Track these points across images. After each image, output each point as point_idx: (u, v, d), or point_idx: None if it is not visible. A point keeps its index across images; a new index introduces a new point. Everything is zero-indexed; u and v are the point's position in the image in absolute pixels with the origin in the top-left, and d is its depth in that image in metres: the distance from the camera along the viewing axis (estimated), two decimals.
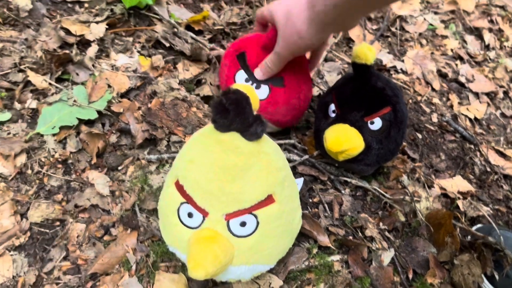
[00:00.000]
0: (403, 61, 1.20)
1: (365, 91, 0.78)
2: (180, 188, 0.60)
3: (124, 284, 0.66)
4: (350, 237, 0.78)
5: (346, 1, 0.60)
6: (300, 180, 0.81)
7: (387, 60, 1.17)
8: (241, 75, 0.82)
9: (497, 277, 0.76)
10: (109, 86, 0.83)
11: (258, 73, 0.80)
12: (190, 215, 0.59)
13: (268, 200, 0.60)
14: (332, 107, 0.82)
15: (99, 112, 0.79)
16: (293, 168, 0.86)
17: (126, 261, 0.68)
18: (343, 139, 0.75)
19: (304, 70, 0.85)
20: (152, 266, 0.68)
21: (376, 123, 0.77)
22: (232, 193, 0.57)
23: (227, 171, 0.57)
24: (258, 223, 0.59)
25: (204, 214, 0.58)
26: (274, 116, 0.83)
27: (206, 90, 0.91)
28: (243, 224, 0.58)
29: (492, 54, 1.34)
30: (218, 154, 0.57)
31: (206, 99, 0.90)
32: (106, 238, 0.70)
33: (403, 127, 0.80)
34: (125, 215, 0.72)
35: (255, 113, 0.57)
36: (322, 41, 0.73)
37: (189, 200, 0.58)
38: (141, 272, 0.67)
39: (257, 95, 0.78)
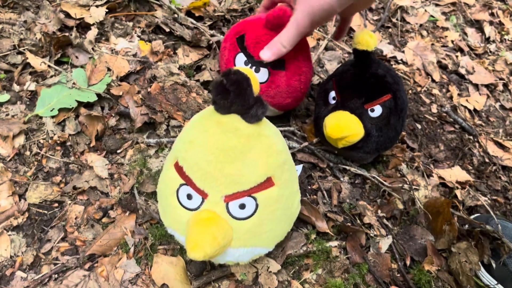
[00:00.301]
0: (403, 51, 1.20)
1: (365, 78, 0.77)
2: (179, 169, 0.59)
3: (122, 266, 0.65)
4: (349, 224, 0.78)
5: None
6: (299, 167, 0.81)
7: (388, 50, 1.17)
8: (240, 58, 0.81)
9: (494, 265, 0.76)
10: (109, 69, 0.83)
11: (265, 53, 0.73)
12: (189, 196, 0.59)
13: (268, 183, 0.59)
14: (333, 94, 0.81)
15: (98, 95, 0.79)
16: (293, 155, 0.86)
17: (124, 243, 0.68)
18: (343, 126, 0.75)
19: (305, 51, 0.84)
20: (150, 249, 0.68)
21: (376, 111, 0.76)
22: (232, 174, 0.56)
23: (227, 153, 0.56)
24: (257, 205, 0.59)
25: (203, 195, 0.57)
26: (275, 99, 0.82)
27: (205, 76, 0.91)
28: (242, 206, 0.58)
29: (492, 47, 1.33)
30: (218, 136, 0.57)
31: (205, 84, 0.90)
32: (104, 220, 0.70)
33: (403, 115, 0.80)
34: (123, 197, 0.72)
35: (255, 95, 0.57)
36: (345, 5, 0.68)
37: (188, 181, 0.58)
38: (139, 255, 0.67)
39: (257, 78, 0.79)
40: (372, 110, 0.76)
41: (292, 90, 0.83)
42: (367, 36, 0.75)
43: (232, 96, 0.55)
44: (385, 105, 0.77)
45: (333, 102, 0.81)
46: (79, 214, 0.69)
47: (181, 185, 0.59)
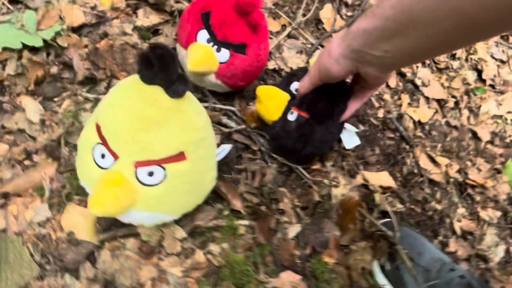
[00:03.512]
0: None
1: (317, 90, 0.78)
2: (98, 128, 0.63)
3: (34, 208, 0.69)
4: (263, 207, 0.83)
5: (375, 28, 0.56)
6: (228, 146, 0.84)
7: None
8: (203, 34, 0.83)
9: (389, 267, 0.82)
10: (61, 18, 0.84)
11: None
12: (103, 156, 0.62)
13: (179, 156, 0.63)
14: (296, 85, 0.83)
15: (45, 41, 0.80)
16: (229, 134, 0.90)
17: (41, 188, 0.71)
18: (270, 94, 0.81)
19: (265, 38, 0.88)
20: (65, 197, 0.71)
21: (293, 116, 0.80)
22: (144, 142, 0.60)
23: (143, 121, 0.59)
24: (165, 175, 0.62)
25: (115, 157, 0.61)
26: (231, 80, 0.86)
27: (160, 41, 0.93)
28: (150, 174, 0.62)
29: (456, 64, 1.37)
30: (137, 103, 0.60)
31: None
32: (26, 163, 0.73)
33: (305, 139, 0.81)
34: (49, 144, 0.74)
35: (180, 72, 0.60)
36: (347, 70, 0.67)
37: (103, 141, 0.61)
38: (53, 201, 0.71)
39: (217, 57, 0.82)
40: (292, 113, 0.80)
41: (248, 74, 0.87)
42: None
43: (155, 69, 0.58)
44: (298, 118, 0.80)
45: (294, 92, 0.84)
46: (2, 153, 0.72)
47: (98, 143, 0.62)
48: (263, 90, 0.81)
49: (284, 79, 0.88)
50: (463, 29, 0.47)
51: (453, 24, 0.47)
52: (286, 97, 0.82)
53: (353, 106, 0.81)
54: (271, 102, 0.80)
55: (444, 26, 0.48)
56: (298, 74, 0.85)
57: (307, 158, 0.91)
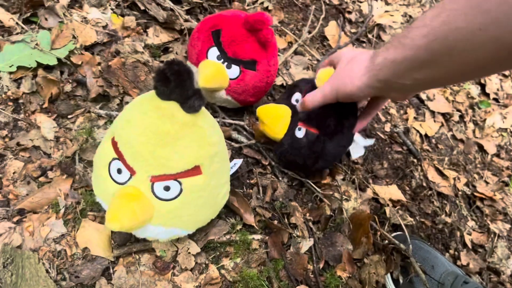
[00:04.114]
0: None
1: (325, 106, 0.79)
2: (114, 144, 0.63)
3: (49, 224, 0.69)
4: (275, 221, 0.83)
5: (404, 58, 0.56)
6: (239, 161, 0.85)
7: None
8: (213, 51, 0.85)
9: (401, 281, 0.82)
10: (74, 37, 0.85)
11: (298, 107, 0.81)
12: (119, 171, 0.62)
13: (195, 170, 0.63)
14: (298, 96, 0.84)
15: (59, 59, 0.81)
16: (239, 149, 0.91)
17: (56, 204, 0.71)
18: (271, 115, 0.80)
19: (274, 54, 0.90)
20: (80, 213, 0.72)
21: (301, 132, 0.80)
22: (161, 157, 0.60)
23: (159, 137, 0.60)
24: (181, 190, 0.63)
25: (132, 172, 0.61)
26: (241, 96, 0.87)
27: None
28: (166, 188, 0.62)
29: None
30: (154, 119, 0.61)
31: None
32: (41, 179, 0.73)
33: (316, 156, 0.81)
34: (64, 161, 0.75)
35: (196, 87, 0.61)
36: (368, 96, 0.70)
37: (120, 156, 0.62)
38: (68, 217, 0.71)
39: (228, 74, 0.84)
40: (299, 129, 0.80)
41: (258, 90, 0.89)
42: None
43: (172, 85, 0.59)
44: (308, 135, 0.80)
45: (295, 103, 0.85)
46: (17, 170, 0.72)
47: (114, 159, 0.63)
48: (263, 112, 0.81)
49: (287, 91, 0.89)
50: (500, 55, 0.47)
51: (490, 52, 0.47)
52: (287, 112, 0.82)
53: (368, 117, 0.82)
54: (273, 121, 0.80)
55: (480, 54, 0.48)
56: (299, 85, 0.86)
57: (317, 172, 0.92)
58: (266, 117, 0.80)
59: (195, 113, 0.62)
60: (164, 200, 0.62)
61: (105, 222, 0.58)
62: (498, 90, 1.41)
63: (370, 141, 0.98)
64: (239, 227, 0.79)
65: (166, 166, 0.61)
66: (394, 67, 0.59)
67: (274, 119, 0.80)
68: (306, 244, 0.83)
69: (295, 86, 0.87)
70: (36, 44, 0.81)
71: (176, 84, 0.59)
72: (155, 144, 0.60)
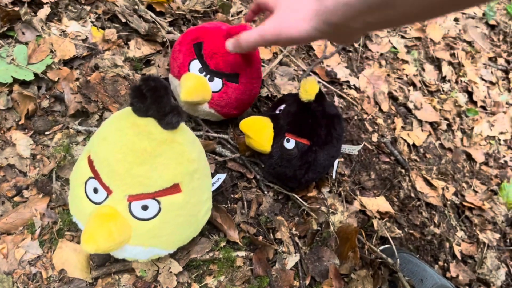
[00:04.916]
0: (358, 77, 1.23)
1: (308, 113, 0.80)
2: (90, 162, 0.61)
3: (24, 246, 0.67)
4: (260, 237, 0.81)
5: (358, 1, 0.52)
6: (223, 175, 0.83)
7: (343, 74, 1.21)
8: (195, 64, 0.83)
9: None
10: (52, 51, 0.83)
11: (228, 44, 0.74)
12: (95, 190, 0.61)
13: (174, 188, 0.62)
14: (282, 107, 0.84)
15: (36, 75, 0.79)
16: (223, 163, 0.89)
17: (32, 224, 0.69)
18: (254, 128, 0.79)
19: (258, 68, 0.89)
20: (56, 233, 0.69)
21: (291, 143, 0.79)
22: (138, 176, 0.58)
23: (136, 154, 0.58)
24: (160, 209, 0.61)
25: (108, 191, 0.59)
26: (224, 109, 0.86)
27: (153, 72, 0.93)
28: (144, 207, 0.60)
29: (446, 86, 1.38)
30: (130, 137, 0.59)
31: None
32: (16, 199, 0.71)
33: (307, 166, 0.81)
34: (40, 179, 0.73)
35: (173, 103, 0.59)
36: (314, 40, 0.65)
37: (96, 175, 0.60)
38: (44, 237, 0.69)
39: (210, 87, 0.82)
40: (288, 141, 0.79)
41: (241, 103, 0.87)
42: (315, 86, 0.78)
43: (148, 101, 0.57)
44: (298, 146, 0.79)
45: (278, 112, 0.83)
46: None
47: (90, 178, 0.61)
48: (246, 125, 0.79)
49: (274, 105, 0.88)
50: None
51: None
52: (268, 122, 0.80)
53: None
54: (258, 134, 0.79)
55: None
56: (286, 99, 0.85)
57: (306, 184, 0.90)
58: (250, 130, 0.79)
59: (173, 129, 0.60)
60: (142, 220, 0.60)
61: (81, 244, 0.56)
62: (485, 97, 1.41)
63: (354, 149, 0.96)
64: (222, 244, 0.77)
65: (143, 184, 0.59)
66: (346, 10, 0.55)
67: (258, 131, 0.79)
68: (292, 260, 0.81)
69: (281, 99, 0.86)
70: (12, 59, 0.79)
71: (152, 101, 0.57)
72: (131, 162, 0.58)
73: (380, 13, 0.53)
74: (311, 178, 0.85)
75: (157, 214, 0.61)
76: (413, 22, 0.63)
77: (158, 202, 0.61)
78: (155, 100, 0.57)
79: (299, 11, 0.62)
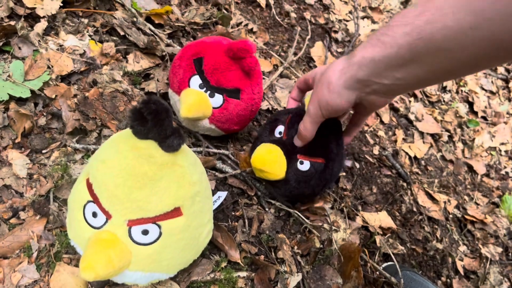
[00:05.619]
0: None
1: (323, 132, 0.76)
2: (89, 186, 0.60)
3: (21, 270, 0.65)
4: (262, 256, 0.79)
5: (384, 56, 0.53)
6: (224, 193, 0.82)
7: None
8: (195, 80, 0.82)
9: None
10: (49, 67, 0.82)
11: (298, 143, 0.76)
12: (94, 214, 0.59)
13: (175, 212, 0.60)
14: (281, 128, 0.81)
15: (33, 91, 0.78)
16: (224, 179, 0.87)
17: (28, 247, 0.67)
18: (267, 161, 0.76)
19: (259, 81, 0.87)
20: (54, 256, 0.68)
21: (305, 165, 0.77)
22: (138, 200, 0.57)
23: (136, 178, 0.57)
24: (160, 233, 0.59)
25: (108, 216, 0.58)
26: (225, 124, 0.85)
27: (152, 86, 0.91)
28: (145, 232, 0.58)
29: (447, 97, 1.38)
30: (130, 160, 0.57)
31: (150, 95, 0.90)
32: (12, 221, 0.69)
33: (325, 182, 0.81)
34: (37, 200, 0.71)
35: (174, 126, 0.58)
36: (351, 101, 0.63)
37: (95, 199, 0.58)
38: (42, 261, 0.67)
39: (211, 103, 0.81)
40: (301, 163, 0.77)
41: (242, 119, 0.86)
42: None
43: (149, 124, 0.56)
44: (314, 166, 0.77)
45: (278, 136, 0.81)
46: None
47: (89, 201, 0.59)
48: (260, 162, 0.76)
49: (267, 126, 0.84)
50: (491, 53, 0.46)
51: (480, 50, 0.45)
52: (280, 151, 0.77)
53: (353, 133, 0.81)
54: (272, 167, 0.77)
55: (470, 52, 0.46)
56: (279, 118, 0.83)
57: (316, 196, 0.90)
58: (265, 165, 0.76)
59: (174, 152, 0.59)
60: (142, 245, 0.59)
61: (79, 272, 0.54)
62: (486, 107, 1.40)
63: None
64: (223, 264, 0.76)
65: (143, 209, 0.58)
66: (373, 66, 0.56)
67: (272, 164, 0.77)
68: (294, 280, 0.79)
69: (275, 120, 0.83)
70: (9, 76, 0.77)
71: (154, 124, 0.56)
72: (131, 186, 0.57)
73: (407, 69, 0.53)
74: (323, 191, 0.86)
75: (157, 239, 0.59)
76: (446, 80, 0.63)
77: (159, 226, 0.59)
78: (156, 123, 0.56)
79: (329, 77, 0.62)
